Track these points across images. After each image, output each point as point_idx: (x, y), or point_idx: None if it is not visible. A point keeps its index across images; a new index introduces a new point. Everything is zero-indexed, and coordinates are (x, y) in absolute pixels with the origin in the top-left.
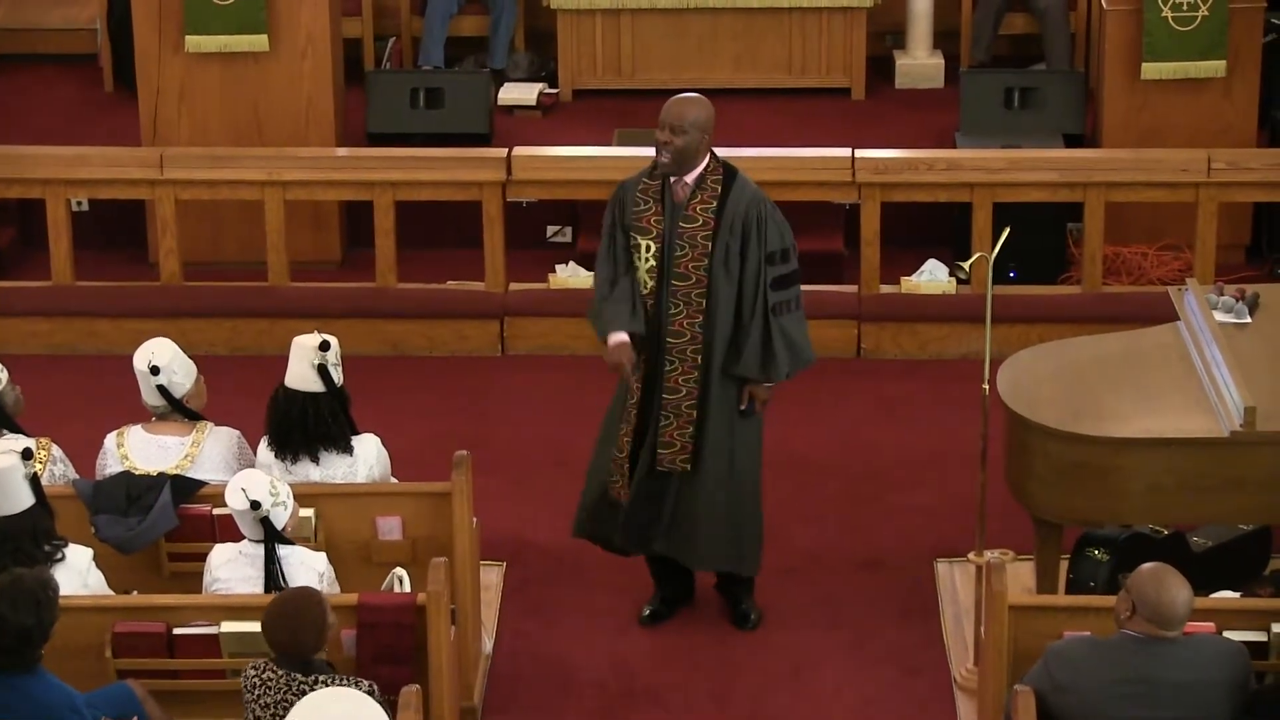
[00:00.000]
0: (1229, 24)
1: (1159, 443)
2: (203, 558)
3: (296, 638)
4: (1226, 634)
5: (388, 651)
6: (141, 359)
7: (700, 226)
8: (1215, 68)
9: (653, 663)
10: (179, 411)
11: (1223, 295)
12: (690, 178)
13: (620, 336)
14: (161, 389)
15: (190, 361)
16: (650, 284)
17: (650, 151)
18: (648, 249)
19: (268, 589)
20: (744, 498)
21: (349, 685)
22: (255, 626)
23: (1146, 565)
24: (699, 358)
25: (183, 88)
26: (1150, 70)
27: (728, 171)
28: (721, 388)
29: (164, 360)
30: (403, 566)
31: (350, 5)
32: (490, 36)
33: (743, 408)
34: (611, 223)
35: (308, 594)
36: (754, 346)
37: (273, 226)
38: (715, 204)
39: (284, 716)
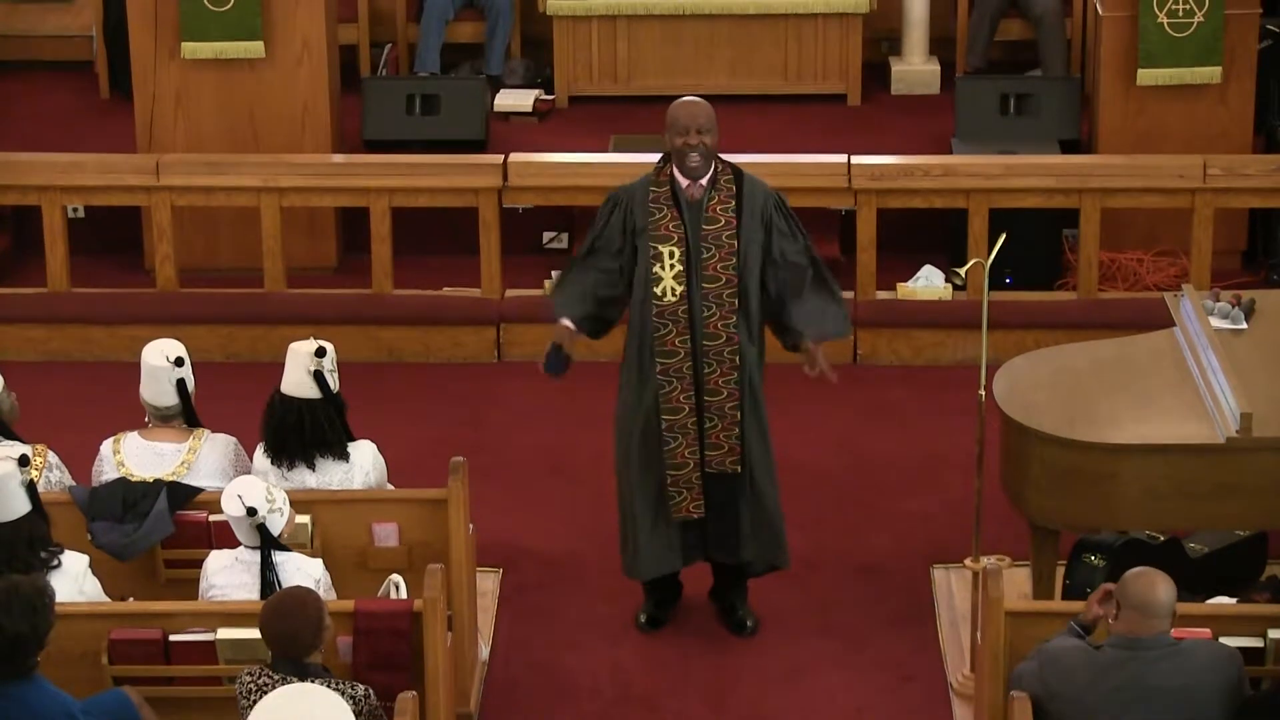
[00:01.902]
0: (1224, 30)
1: (1155, 449)
2: (199, 564)
3: (294, 633)
4: (1222, 640)
5: (384, 658)
6: (157, 354)
7: (723, 227)
8: (1211, 74)
9: (649, 669)
10: (186, 411)
11: (1219, 301)
12: (704, 179)
13: (566, 323)
14: (180, 383)
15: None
16: (679, 289)
17: (649, 158)
18: (671, 255)
19: (264, 596)
20: (776, 490)
21: (344, 689)
22: (252, 633)
23: (1131, 569)
24: (736, 358)
25: (179, 94)
26: (1146, 76)
27: (735, 170)
28: (758, 386)
29: (182, 353)
30: (399, 573)
31: (346, 11)
32: (486, 43)
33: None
34: (605, 222)
35: (305, 592)
36: (823, 303)
37: (269, 233)
38: (733, 202)
39: None
